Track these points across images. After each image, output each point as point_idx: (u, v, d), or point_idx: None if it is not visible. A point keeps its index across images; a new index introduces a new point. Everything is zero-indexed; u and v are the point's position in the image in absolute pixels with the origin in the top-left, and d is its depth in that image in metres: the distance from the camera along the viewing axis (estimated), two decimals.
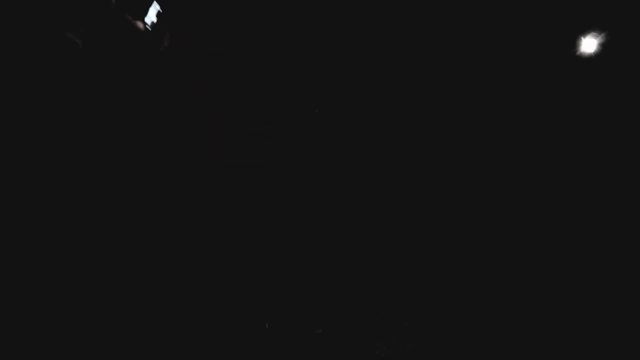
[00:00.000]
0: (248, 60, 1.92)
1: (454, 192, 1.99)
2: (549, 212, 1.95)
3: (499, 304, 1.89)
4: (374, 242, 1.96)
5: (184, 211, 0.97)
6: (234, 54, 1.90)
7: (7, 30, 0.96)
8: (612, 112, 1.76)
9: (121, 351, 0.94)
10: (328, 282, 1.89)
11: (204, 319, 1.67)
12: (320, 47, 1.97)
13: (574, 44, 1.82)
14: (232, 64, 1.88)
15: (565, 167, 1.93)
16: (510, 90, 1.94)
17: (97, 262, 0.89)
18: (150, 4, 1.58)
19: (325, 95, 1.98)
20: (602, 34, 1.76)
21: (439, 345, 1.84)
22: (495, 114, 1.94)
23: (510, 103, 1.91)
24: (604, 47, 1.71)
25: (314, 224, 1.93)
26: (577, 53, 1.81)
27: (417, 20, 1.97)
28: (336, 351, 1.79)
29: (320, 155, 1.92)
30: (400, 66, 1.99)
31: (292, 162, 1.83)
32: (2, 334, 0.79)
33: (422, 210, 1.99)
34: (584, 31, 1.81)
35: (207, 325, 1.67)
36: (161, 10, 1.71)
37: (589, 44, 1.79)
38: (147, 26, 1.33)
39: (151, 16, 1.63)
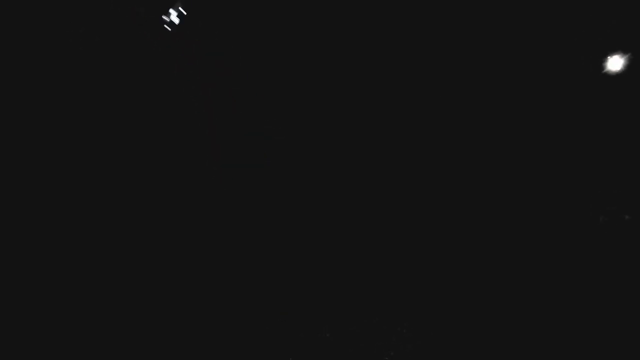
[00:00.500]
0: (248, 60, 1.92)
1: (454, 192, 1.99)
2: (549, 213, 1.95)
3: (499, 304, 1.89)
4: (374, 243, 1.96)
5: (184, 211, 0.97)
6: (234, 54, 1.90)
7: (7, 30, 0.96)
8: (612, 112, 1.76)
9: (121, 351, 0.94)
10: (328, 283, 1.89)
11: (203, 318, 1.67)
12: (321, 47, 1.97)
13: (574, 44, 1.82)
14: (232, 64, 1.89)
15: (565, 167, 1.93)
16: (510, 91, 1.94)
17: (97, 261, 0.89)
18: (151, 5, 1.58)
19: (325, 95, 1.98)
20: (602, 34, 1.76)
21: (439, 345, 1.84)
22: (495, 115, 1.94)
23: (511, 103, 1.91)
24: (604, 47, 1.71)
25: (314, 224, 1.93)
26: (578, 53, 1.81)
27: (418, 20, 1.97)
28: (336, 351, 1.79)
29: (320, 156, 1.92)
30: (401, 66, 1.99)
31: (292, 162, 1.83)
32: (2, 334, 0.79)
33: (422, 210, 1.99)
34: (584, 31, 1.80)
35: (206, 325, 1.67)
36: (162, 11, 1.71)
37: (590, 45, 1.79)
38: (147, 26, 1.33)
39: (151, 16, 1.63)
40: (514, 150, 1.96)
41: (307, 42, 1.96)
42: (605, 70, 1.67)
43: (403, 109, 2.00)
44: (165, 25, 1.73)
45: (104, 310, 0.92)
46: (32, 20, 0.96)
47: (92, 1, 1.18)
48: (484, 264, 1.94)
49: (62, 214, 0.85)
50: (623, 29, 1.73)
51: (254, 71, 1.92)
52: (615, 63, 1.71)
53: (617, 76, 1.68)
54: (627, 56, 1.70)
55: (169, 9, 1.74)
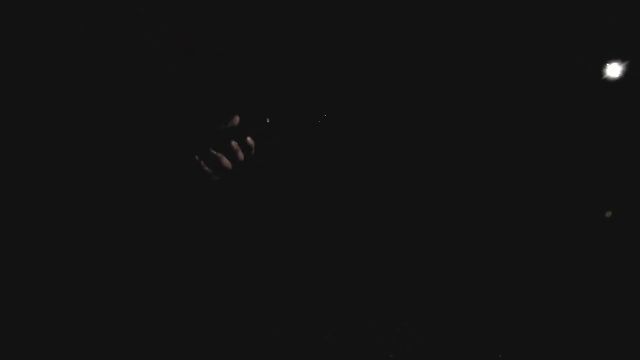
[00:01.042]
0: (248, 60, 1.92)
1: (454, 192, 1.99)
2: (549, 213, 1.95)
3: (499, 304, 1.89)
4: (374, 243, 1.96)
5: (183, 211, 0.97)
6: (234, 54, 1.90)
7: (7, 30, 0.96)
8: (612, 111, 1.76)
9: (121, 351, 0.95)
10: (328, 282, 1.89)
11: (203, 318, 1.67)
12: (321, 47, 1.97)
13: (574, 44, 1.82)
14: (232, 64, 1.88)
15: (565, 167, 1.93)
16: (510, 91, 1.94)
17: (96, 262, 0.89)
18: (151, 5, 1.57)
19: (325, 96, 1.98)
20: (602, 34, 1.76)
21: (439, 345, 1.84)
22: (495, 114, 1.94)
23: (511, 103, 1.91)
24: (604, 47, 1.71)
25: (313, 224, 1.93)
26: (578, 53, 1.81)
27: (419, 20, 1.97)
28: (336, 351, 1.78)
29: (320, 156, 1.92)
30: (401, 67, 1.99)
31: (292, 162, 1.83)
32: (2, 334, 0.79)
33: (422, 210, 1.99)
34: (584, 31, 1.80)
35: (206, 325, 1.67)
36: (162, 11, 1.71)
37: (589, 45, 1.79)
38: (147, 26, 1.33)
39: (151, 16, 1.63)
40: (513, 150, 1.96)
41: (307, 42, 1.96)
42: (605, 71, 1.67)
43: (404, 109, 2.00)
44: (165, 26, 1.73)
45: (103, 310, 0.92)
46: (32, 20, 0.96)
47: (92, 1, 1.18)
48: (484, 264, 1.94)
49: (62, 213, 0.85)
50: (623, 29, 1.74)
51: (254, 71, 1.92)
52: (615, 63, 1.71)
53: (617, 76, 1.68)
54: (627, 56, 1.70)
55: (169, 9, 1.74)
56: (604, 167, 1.85)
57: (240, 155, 1.00)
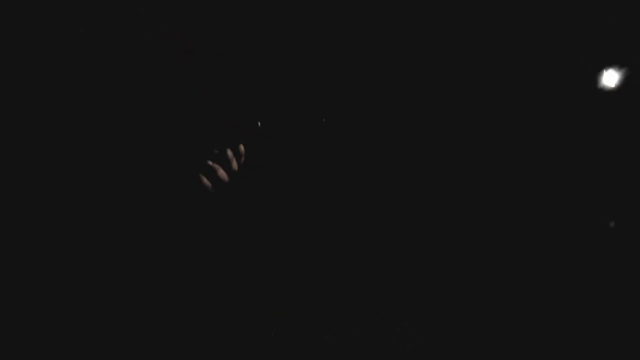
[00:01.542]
0: (248, 60, 1.92)
1: (453, 192, 1.99)
2: (549, 213, 1.95)
3: (499, 304, 1.89)
4: (374, 242, 1.96)
5: (183, 211, 0.97)
6: (234, 54, 1.90)
7: (7, 30, 0.95)
8: (612, 111, 1.76)
9: (121, 351, 0.95)
10: (328, 282, 1.89)
11: (202, 318, 1.67)
12: (321, 47, 1.97)
13: (575, 44, 1.82)
14: (232, 64, 1.88)
15: (565, 167, 1.93)
16: (510, 90, 1.94)
17: (96, 262, 0.89)
18: (151, 5, 1.57)
19: (325, 96, 1.98)
20: (602, 34, 1.76)
21: (439, 345, 1.84)
22: (495, 114, 1.94)
23: (511, 103, 1.91)
24: (604, 47, 1.71)
25: (313, 223, 1.93)
26: (578, 53, 1.81)
27: (421, 21, 1.97)
28: (336, 351, 1.78)
29: (320, 156, 1.92)
30: (402, 68, 1.99)
31: (292, 162, 1.83)
32: (2, 334, 0.79)
33: (422, 210, 1.99)
34: (584, 31, 1.80)
35: (206, 324, 1.67)
36: (162, 11, 1.71)
37: (589, 45, 1.79)
38: (147, 26, 1.34)
39: (151, 16, 1.63)
40: (513, 150, 1.96)
41: (307, 42, 1.96)
42: (605, 70, 1.67)
43: (405, 110, 2.00)
44: (165, 25, 1.73)
45: (103, 310, 0.92)
46: (32, 20, 0.96)
47: (92, 1, 1.18)
48: (484, 264, 1.94)
49: (62, 213, 0.85)
50: (623, 29, 1.74)
51: (254, 71, 1.92)
52: (614, 63, 1.71)
53: (617, 76, 1.68)
54: (627, 56, 1.70)
55: (169, 9, 1.74)
56: (603, 167, 1.85)
57: (235, 165, 1.00)
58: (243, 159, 1.01)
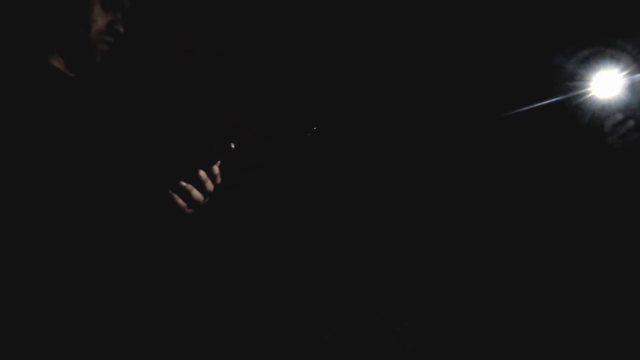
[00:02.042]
0: (248, 60, 1.92)
1: (453, 192, 1.99)
2: (548, 213, 1.94)
3: (500, 304, 1.89)
4: (374, 242, 1.96)
5: (183, 211, 0.97)
6: (234, 54, 1.90)
7: (7, 30, 0.96)
8: (611, 111, 1.76)
9: (121, 351, 0.95)
10: (328, 282, 1.89)
11: (202, 318, 1.67)
12: (322, 47, 1.97)
13: (575, 44, 1.82)
14: (232, 64, 1.88)
15: (565, 166, 1.93)
16: (509, 90, 1.94)
17: (96, 262, 0.89)
18: (151, 5, 1.58)
19: (325, 96, 1.98)
20: (602, 34, 1.76)
21: (439, 345, 1.84)
22: (495, 114, 1.94)
23: (510, 103, 1.91)
24: (604, 47, 1.71)
25: (313, 223, 1.93)
26: (578, 53, 1.81)
27: (422, 22, 1.97)
28: (336, 351, 1.78)
29: (320, 155, 1.92)
30: (402, 68, 1.99)
31: (292, 162, 1.83)
32: (2, 334, 0.79)
33: (422, 210, 1.99)
34: (584, 31, 1.80)
35: (205, 324, 1.67)
36: (162, 11, 1.71)
37: (590, 44, 1.78)
38: (147, 26, 1.34)
39: (151, 16, 1.63)
40: (513, 150, 1.96)
41: (307, 42, 1.96)
42: (604, 71, 1.67)
43: (405, 110, 2.00)
44: (165, 25, 1.73)
45: (103, 310, 0.92)
46: (32, 20, 0.96)
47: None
48: (484, 264, 1.94)
49: (62, 214, 0.85)
50: (623, 28, 1.73)
51: (254, 71, 1.92)
52: (615, 63, 1.71)
53: (616, 76, 1.67)
54: (627, 56, 1.70)
55: (169, 9, 1.74)
56: (603, 167, 1.85)
57: (210, 186, 0.98)
58: (219, 179, 0.99)
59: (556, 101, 1.60)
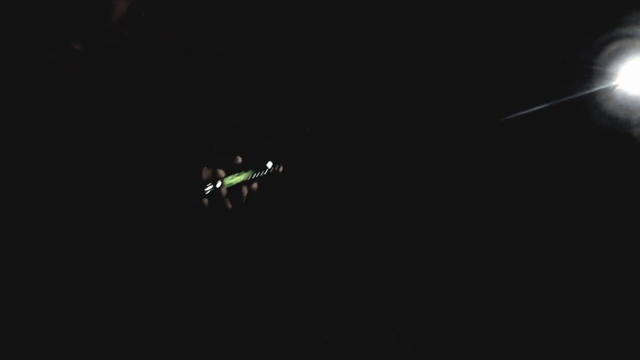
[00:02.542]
0: (248, 60, 1.92)
1: (453, 192, 1.99)
2: (548, 213, 1.94)
3: (500, 304, 1.89)
4: (374, 242, 1.96)
5: (183, 211, 0.97)
6: (234, 54, 1.90)
7: (6, 30, 0.95)
8: (611, 111, 1.76)
9: (121, 351, 0.95)
10: (328, 282, 1.89)
11: (202, 318, 1.67)
12: (322, 47, 1.97)
13: (576, 44, 1.82)
14: (232, 64, 1.88)
15: (564, 166, 1.93)
16: (510, 90, 1.94)
17: (96, 263, 0.89)
18: (151, 5, 1.57)
19: (325, 96, 1.98)
20: (603, 34, 1.76)
21: (439, 345, 1.84)
22: (494, 114, 1.94)
23: (510, 103, 1.91)
24: (603, 47, 1.71)
25: (313, 223, 1.93)
26: (578, 53, 1.81)
27: (422, 22, 1.97)
28: (336, 351, 1.78)
29: (320, 155, 1.92)
30: (403, 69, 1.99)
31: (292, 162, 1.83)
32: (2, 334, 0.79)
33: (422, 210, 1.99)
34: (584, 31, 1.80)
35: (205, 324, 1.67)
36: (162, 11, 1.71)
37: (589, 45, 1.78)
38: (147, 26, 1.34)
39: (151, 16, 1.63)
40: (513, 150, 1.96)
41: (307, 42, 1.96)
42: (604, 70, 1.67)
43: (405, 111, 2.00)
44: (165, 25, 1.73)
45: (103, 310, 0.92)
46: (32, 19, 0.96)
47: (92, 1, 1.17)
48: (484, 264, 1.94)
49: (62, 214, 0.85)
50: (623, 28, 1.73)
51: (254, 71, 1.92)
52: (614, 63, 1.71)
53: (616, 76, 1.68)
54: (627, 56, 1.70)
55: (169, 9, 1.74)
56: (604, 167, 1.85)
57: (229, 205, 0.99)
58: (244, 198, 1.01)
59: (580, 96, 1.58)
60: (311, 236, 1.90)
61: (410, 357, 1.81)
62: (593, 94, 1.51)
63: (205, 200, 0.96)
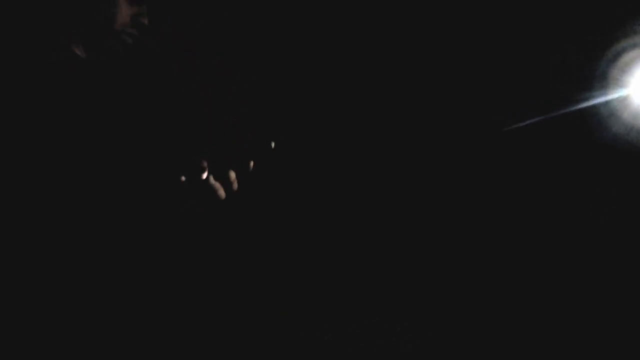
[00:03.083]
0: (248, 60, 1.92)
1: (453, 192, 1.99)
2: (548, 213, 1.94)
3: (500, 304, 1.89)
4: (374, 242, 1.96)
5: (183, 211, 0.97)
6: (234, 54, 1.90)
7: (6, 30, 0.95)
8: (611, 111, 1.76)
9: (121, 351, 0.95)
10: (328, 282, 1.89)
11: (202, 318, 1.67)
12: (322, 47, 1.97)
13: (576, 44, 1.82)
14: (232, 64, 1.88)
15: (565, 166, 1.93)
16: (510, 91, 1.94)
17: (96, 263, 0.89)
18: (151, 5, 1.57)
19: (325, 96, 1.98)
20: (603, 34, 1.76)
21: (439, 345, 1.84)
22: (494, 114, 1.94)
23: (510, 103, 1.91)
24: (616, 56, 1.70)
25: (313, 223, 1.93)
26: (579, 52, 1.81)
27: (423, 22, 1.97)
28: (336, 351, 1.78)
29: (320, 155, 1.92)
30: (403, 69, 1.99)
31: (292, 162, 1.83)
32: (2, 334, 0.79)
33: (422, 210, 1.99)
34: (584, 31, 1.80)
35: (205, 324, 1.67)
36: (162, 11, 1.71)
37: (589, 45, 1.78)
38: (147, 26, 1.34)
39: (151, 16, 1.63)
40: (513, 150, 1.96)
41: (307, 42, 1.96)
42: (604, 70, 1.67)
43: (405, 111, 2.00)
44: (165, 25, 1.73)
45: (103, 310, 0.92)
46: (32, 19, 0.96)
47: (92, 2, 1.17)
48: (484, 264, 1.94)
49: (62, 215, 0.85)
50: (623, 28, 1.73)
51: (254, 71, 1.92)
52: (614, 63, 1.71)
53: (628, 84, 1.67)
54: (627, 56, 1.70)
55: (168, 9, 1.74)
56: (614, 175, 1.85)
57: (222, 194, 0.99)
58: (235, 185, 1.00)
59: (592, 105, 1.58)
60: (311, 236, 1.91)
61: (410, 357, 1.81)
62: (605, 103, 1.51)
63: (198, 194, 0.96)
